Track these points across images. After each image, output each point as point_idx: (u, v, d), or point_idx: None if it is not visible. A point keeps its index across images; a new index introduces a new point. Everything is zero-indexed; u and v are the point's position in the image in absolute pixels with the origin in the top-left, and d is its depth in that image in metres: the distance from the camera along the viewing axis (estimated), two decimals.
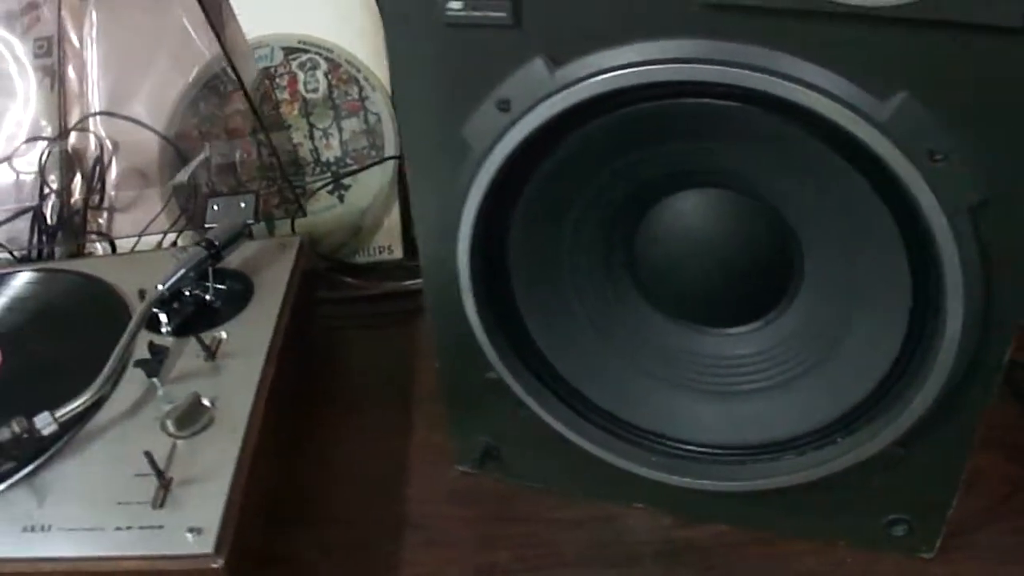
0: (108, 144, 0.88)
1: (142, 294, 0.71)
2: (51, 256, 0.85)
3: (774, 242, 0.52)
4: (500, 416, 0.61)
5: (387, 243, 0.88)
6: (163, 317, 0.69)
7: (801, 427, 0.54)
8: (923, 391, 0.49)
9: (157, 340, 0.67)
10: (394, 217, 0.87)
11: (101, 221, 0.88)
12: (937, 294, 0.46)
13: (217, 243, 0.72)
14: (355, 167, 0.87)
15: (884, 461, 0.52)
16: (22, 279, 0.76)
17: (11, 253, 0.84)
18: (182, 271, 0.70)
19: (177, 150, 0.87)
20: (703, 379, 0.56)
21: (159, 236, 0.86)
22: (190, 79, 0.87)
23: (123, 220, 0.88)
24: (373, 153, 0.87)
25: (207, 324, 0.69)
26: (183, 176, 0.85)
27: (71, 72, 0.89)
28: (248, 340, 0.67)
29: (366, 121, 0.87)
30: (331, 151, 0.88)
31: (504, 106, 0.48)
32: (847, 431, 0.53)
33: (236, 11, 0.86)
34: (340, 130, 0.87)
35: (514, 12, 0.45)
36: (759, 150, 0.47)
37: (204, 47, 0.87)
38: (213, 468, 0.56)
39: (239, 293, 0.72)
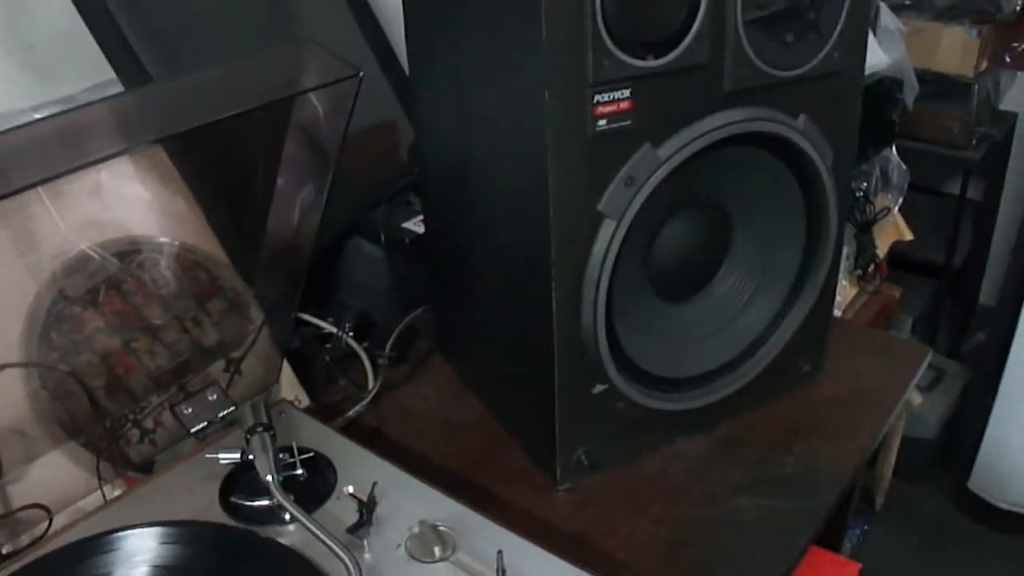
0: None
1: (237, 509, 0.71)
2: None
3: (718, 223, 0.85)
4: (599, 421, 0.81)
5: (293, 395, 0.93)
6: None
7: (761, 324, 0.88)
8: (818, 273, 0.87)
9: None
10: (288, 371, 0.94)
11: None
12: (820, 216, 0.85)
13: (266, 421, 0.75)
14: (245, 344, 0.91)
15: (802, 327, 0.90)
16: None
17: None
18: (271, 455, 0.72)
19: (57, 395, 0.80)
20: (710, 324, 0.86)
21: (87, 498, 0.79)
22: (24, 317, 0.81)
23: (23, 492, 0.77)
24: (245, 324, 0.92)
25: (320, 493, 0.73)
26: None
27: None
28: (375, 476, 0.73)
29: (227, 298, 0.92)
30: (209, 336, 0.90)
31: (629, 182, 0.72)
32: (784, 315, 0.89)
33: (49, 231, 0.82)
34: (207, 314, 0.90)
35: (633, 121, 0.71)
36: (729, 169, 0.80)
37: (28, 276, 0.81)
38: None
39: (311, 457, 0.76)
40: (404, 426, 0.93)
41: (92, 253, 0.84)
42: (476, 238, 0.87)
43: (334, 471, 0.76)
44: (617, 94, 0.69)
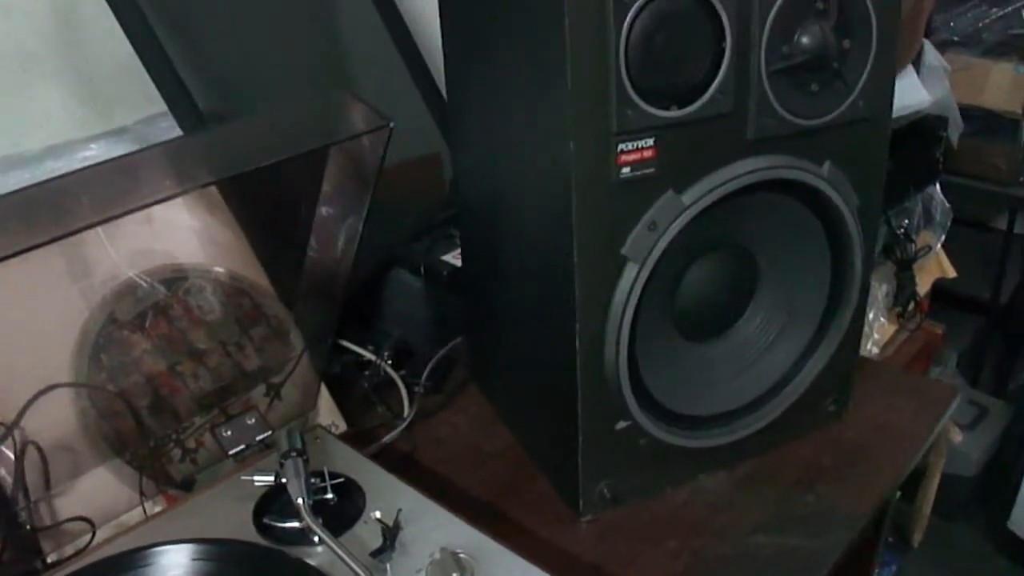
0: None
1: (268, 529, 0.74)
2: None
3: (745, 265, 0.87)
4: (621, 456, 0.84)
5: (331, 420, 0.97)
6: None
7: (786, 365, 0.89)
8: (843, 316, 0.89)
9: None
10: (327, 397, 0.97)
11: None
12: (845, 260, 0.86)
13: (300, 446, 0.78)
14: (286, 370, 0.95)
15: (827, 368, 0.91)
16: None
17: None
18: (303, 480, 0.75)
19: (104, 414, 0.85)
20: (734, 364, 0.88)
21: (129, 513, 0.83)
22: (75, 340, 0.85)
23: (70, 506, 0.82)
24: (287, 351, 0.96)
25: (348, 518, 0.76)
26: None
27: None
28: (402, 503, 0.76)
29: (269, 325, 0.96)
30: (251, 361, 0.94)
31: (652, 227, 0.75)
32: (809, 356, 0.90)
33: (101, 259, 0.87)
34: (251, 340, 0.94)
35: (657, 168, 0.73)
36: (753, 213, 0.82)
37: (81, 300, 0.86)
38: None
39: (342, 482, 0.79)
40: (436, 453, 0.96)
41: (141, 280, 0.89)
42: (506, 275, 0.90)
43: (363, 496, 0.79)
44: (641, 143, 0.72)
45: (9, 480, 0.80)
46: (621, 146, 0.71)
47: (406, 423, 0.97)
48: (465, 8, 0.85)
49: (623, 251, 0.75)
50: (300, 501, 0.74)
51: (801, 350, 0.90)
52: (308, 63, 1.10)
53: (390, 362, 1.03)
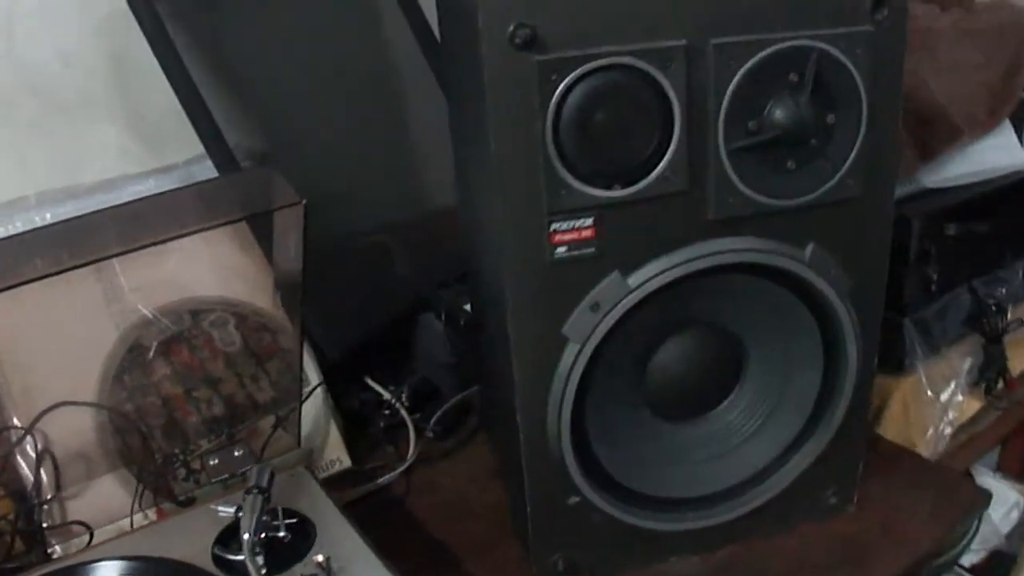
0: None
1: (219, 559, 0.79)
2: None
3: (728, 347, 0.83)
4: (577, 531, 0.82)
5: (336, 456, 1.01)
6: (260, 561, 0.78)
7: (771, 454, 0.84)
8: (836, 406, 0.82)
9: None
10: (334, 432, 1.02)
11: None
12: (837, 347, 0.80)
13: (263, 484, 0.83)
14: (294, 403, 1.00)
15: (820, 458, 0.85)
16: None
17: None
18: (255, 517, 0.80)
19: (119, 429, 0.93)
20: (712, 446, 0.84)
21: (126, 519, 0.91)
22: (102, 360, 0.94)
23: (79, 508, 0.91)
24: (301, 387, 1.01)
25: (293, 557, 0.80)
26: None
27: None
28: (344, 549, 0.79)
29: (284, 359, 1.01)
30: (263, 393, 1.00)
31: (595, 308, 0.73)
32: (799, 447, 0.84)
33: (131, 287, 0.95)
34: (266, 373, 1.00)
35: (599, 249, 0.71)
36: (728, 295, 0.78)
37: (112, 324, 0.94)
38: None
39: (297, 522, 0.83)
40: (426, 500, 0.98)
41: (169, 308, 0.96)
42: (484, 332, 0.91)
43: (315, 538, 0.82)
44: (578, 222, 0.70)
45: (28, 479, 0.90)
46: (555, 226, 0.70)
47: (404, 467, 1.00)
48: (455, 75, 0.86)
49: (563, 330, 0.74)
50: (245, 536, 0.78)
51: (789, 440, 0.85)
52: (360, 108, 1.15)
53: (407, 403, 1.06)
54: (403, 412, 1.05)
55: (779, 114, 0.71)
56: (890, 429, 1.13)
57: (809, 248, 0.76)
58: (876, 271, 0.80)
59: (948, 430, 1.21)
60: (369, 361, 1.10)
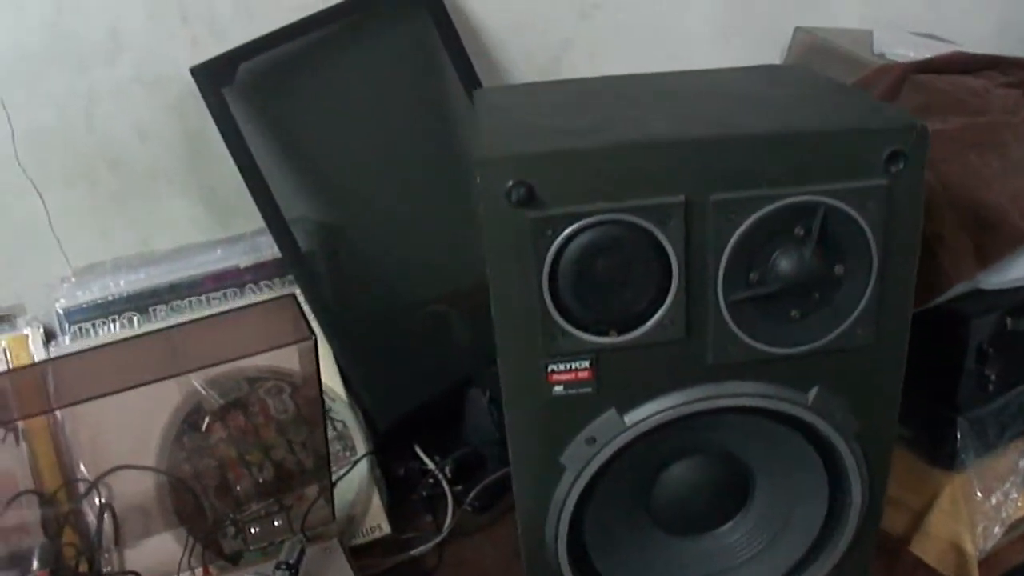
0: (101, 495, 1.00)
1: None
2: None
3: (734, 472, 0.84)
4: None
5: (376, 523, 1.08)
6: None
7: (777, 573, 0.86)
8: (841, 535, 0.83)
9: None
10: (376, 501, 1.08)
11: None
12: (842, 484, 0.81)
13: (292, 560, 0.90)
14: (342, 471, 1.07)
15: None
16: None
17: None
18: None
19: (175, 489, 1.02)
20: (709, 565, 0.86)
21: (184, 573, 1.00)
22: (167, 418, 1.02)
23: (135, 557, 1.00)
24: (347, 454, 1.08)
25: None
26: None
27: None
28: None
29: (335, 428, 1.08)
30: (311, 459, 1.07)
31: (591, 441, 0.76)
32: (804, 568, 0.85)
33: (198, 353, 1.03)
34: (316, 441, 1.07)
35: (596, 388, 0.74)
36: (731, 429, 0.79)
37: (176, 388, 1.03)
38: None
39: None
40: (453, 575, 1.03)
41: (228, 376, 1.04)
42: None
43: None
44: (575, 364, 0.73)
45: (93, 526, 1.00)
46: (552, 367, 0.73)
47: (439, 539, 1.05)
48: None
49: (561, 459, 0.77)
50: None
51: (792, 564, 0.85)
52: (418, 191, 1.20)
53: (450, 475, 1.11)
54: (444, 483, 1.11)
55: (783, 265, 0.72)
56: (938, 524, 1.11)
57: (813, 392, 0.77)
58: (886, 412, 0.80)
59: (998, 528, 1.17)
60: (419, 428, 1.16)
